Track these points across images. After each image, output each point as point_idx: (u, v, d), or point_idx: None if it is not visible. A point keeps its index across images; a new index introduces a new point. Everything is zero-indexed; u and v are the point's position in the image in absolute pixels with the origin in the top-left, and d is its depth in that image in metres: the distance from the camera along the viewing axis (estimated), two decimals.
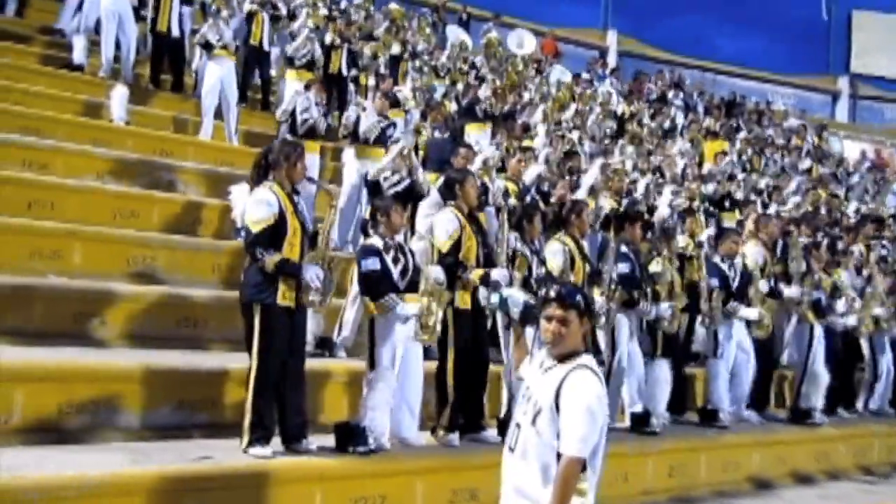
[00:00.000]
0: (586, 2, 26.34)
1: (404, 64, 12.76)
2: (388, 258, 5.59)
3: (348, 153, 8.85)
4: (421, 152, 9.06)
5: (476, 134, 10.12)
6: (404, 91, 10.68)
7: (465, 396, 6.00)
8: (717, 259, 8.08)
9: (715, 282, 7.80)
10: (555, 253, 6.70)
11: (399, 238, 5.84)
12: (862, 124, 27.59)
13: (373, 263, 5.53)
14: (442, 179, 6.71)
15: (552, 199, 8.58)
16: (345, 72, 11.73)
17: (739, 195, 11.76)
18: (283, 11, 11.77)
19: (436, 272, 5.65)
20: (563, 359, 3.23)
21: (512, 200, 7.96)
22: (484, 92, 11.15)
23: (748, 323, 8.12)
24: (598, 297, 6.77)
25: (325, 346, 6.77)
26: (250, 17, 11.32)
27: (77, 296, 6.14)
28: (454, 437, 5.89)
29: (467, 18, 18.67)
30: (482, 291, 5.89)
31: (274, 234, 5.00)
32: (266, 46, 11.49)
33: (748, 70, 26.91)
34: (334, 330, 6.87)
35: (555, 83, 14.95)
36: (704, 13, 25.60)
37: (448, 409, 5.90)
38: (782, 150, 17.89)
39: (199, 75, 10.75)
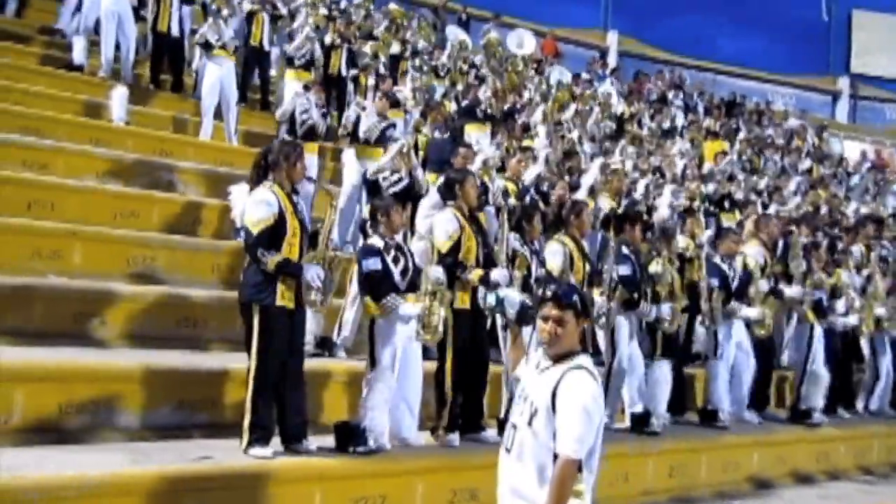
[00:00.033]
0: (586, 2, 26.33)
1: (404, 63, 12.76)
2: (389, 258, 5.59)
3: (349, 153, 8.86)
4: (421, 152, 9.06)
5: (476, 134, 10.12)
6: (404, 91, 10.68)
7: (465, 397, 6.00)
8: (717, 259, 8.08)
9: (715, 282, 7.80)
10: (554, 253, 6.70)
11: (398, 238, 5.83)
12: (862, 124, 27.56)
13: (374, 264, 5.53)
14: (442, 179, 6.71)
15: (552, 200, 8.58)
16: (344, 72, 11.73)
17: (739, 195, 11.76)
18: (284, 11, 11.76)
19: (437, 272, 5.65)
20: (559, 359, 3.22)
21: (512, 200, 7.96)
22: (484, 93, 11.15)
23: (748, 323, 8.12)
24: (598, 298, 6.78)
25: (325, 346, 6.77)
26: (250, 16, 11.32)
27: (77, 296, 6.14)
28: (454, 437, 5.89)
29: (467, 18, 18.66)
30: (481, 292, 5.90)
31: (273, 235, 5.00)
32: (266, 46, 11.49)
33: (748, 70, 26.88)
34: (334, 330, 6.87)
35: (555, 83, 14.95)
36: (704, 13, 25.60)
37: (447, 410, 5.90)
38: (782, 151, 17.88)
39: (199, 75, 10.75)
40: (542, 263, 6.64)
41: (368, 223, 6.01)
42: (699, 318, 7.84)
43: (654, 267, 7.35)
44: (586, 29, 25.49)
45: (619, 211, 8.67)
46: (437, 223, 6.12)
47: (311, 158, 8.09)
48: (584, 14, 25.71)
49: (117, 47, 10.29)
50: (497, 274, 5.86)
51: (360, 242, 6.72)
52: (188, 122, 10.33)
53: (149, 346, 6.07)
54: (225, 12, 10.05)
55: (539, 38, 18.63)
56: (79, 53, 10.27)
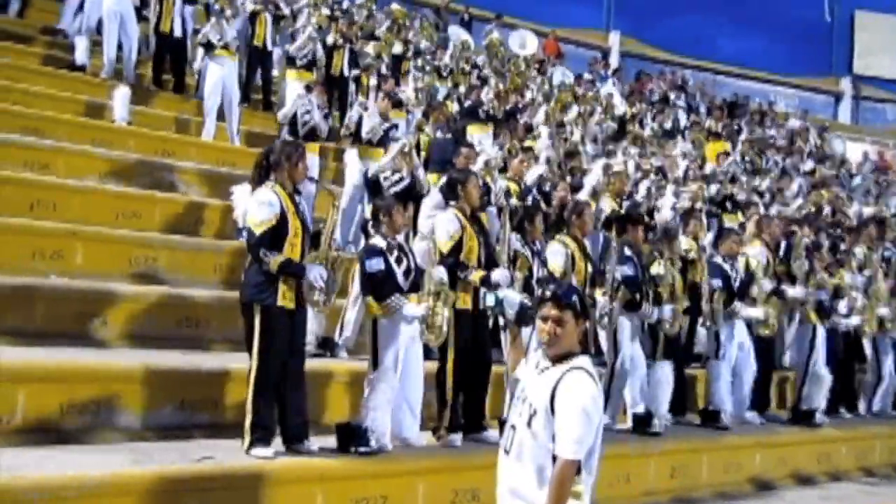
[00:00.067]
0: (588, 2, 26.32)
1: (406, 63, 12.76)
2: (392, 259, 5.59)
3: (351, 154, 8.86)
4: (423, 152, 9.06)
5: (478, 135, 10.12)
6: (407, 92, 10.69)
7: (467, 397, 6.00)
8: (718, 259, 8.08)
9: (718, 282, 7.80)
10: (555, 253, 6.70)
11: (400, 238, 5.83)
12: (864, 125, 27.54)
13: (377, 264, 5.52)
14: (444, 180, 6.71)
15: (554, 200, 8.58)
16: (346, 72, 11.73)
17: (741, 197, 11.75)
18: (286, 11, 11.77)
19: (440, 272, 5.65)
20: (558, 360, 3.21)
21: (514, 201, 7.96)
22: (486, 94, 11.15)
23: (749, 324, 8.11)
24: (600, 298, 6.77)
25: (327, 346, 6.77)
26: (253, 17, 11.32)
27: (78, 296, 6.14)
28: (456, 437, 5.89)
29: (469, 19, 18.66)
30: (482, 292, 5.89)
31: (275, 235, 5.00)
32: (269, 46, 11.49)
33: (750, 71, 26.88)
34: (336, 330, 6.87)
35: (557, 84, 14.94)
36: (706, 13, 25.59)
37: (448, 410, 5.90)
38: (784, 152, 17.86)
39: (201, 76, 10.75)
40: (543, 264, 6.64)
41: (370, 223, 6.01)
42: (701, 319, 7.83)
43: (656, 268, 7.35)
44: (588, 29, 25.49)
45: (621, 212, 8.66)
46: (438, 223, 6.12)
47: (312, 158, 8.09)
48: (586, 14, 25.71)
49: (119, 47, 10.30)
50: (498, 275, 5.86)
51: (362, 242, 6.72)
52: (190, 122, 10.33)
53: (150, 346, 6.06)
54: (228, 12, 10.06)
55: (541, 38, 18.63)
56: (81, 54, 10.28)
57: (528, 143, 10.54)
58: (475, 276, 5.87)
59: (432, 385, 5.98)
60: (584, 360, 3.21)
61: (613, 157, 10.49)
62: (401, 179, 7.16)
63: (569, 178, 9.44)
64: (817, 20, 27.77)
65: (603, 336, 7.30)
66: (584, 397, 3.10)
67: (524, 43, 16.17)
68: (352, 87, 11.87)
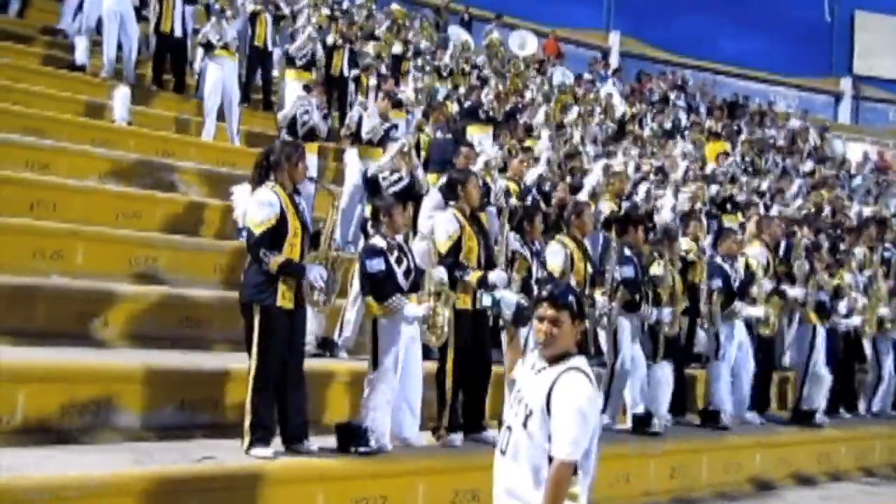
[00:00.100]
0: (588, 2, 26.32)
1: (406, 63, 12.76)
2: (392, 259, 5.59)
3: (351, 154, 8.86)
4: (423, 152, 9.06)
5: (479, 135, 10.12)
6: (407, 92, 10.69)
7: (467, 397, 6.01)
8: (718, 260, 8.08)
9: (718, 282, 7.80)
10: (554, 253, 6.70)
11: (400, 238, 5.84)
12: (865, 126, 27.54)
13: (378, 264, 5.51)
14: (444, 179, 6.71)
15: (553, 200, 8.58)
16: (346, 72, 11.74)
17: (741, 197, 11.75)
18: (286, 11, 11.78)
19: (440, 273, 5.66)
20: (554, 360, 3.19)
21: (513, 200, 7.97)
22: (486, 96, 11.15)
23: (749, 324, 8.12)
24: (599, 299, 6.77)
25: (327, 346, 6.77)
26: (253, 17, 11.33)
27: (79, 296, 6.15)
28: (456, 437, 5.90)
29: (469, 19, 18.67)
30: (478, 293, 5.90)
31: (275, 235, 5.00)
32: (270, 47, 11.50)
33: (750, 71, 26.88)
34: (335, 330, 6.88)
35: (557, 85, 14.94)
36: (706, 14, 25.59)
37: (448, 410, 5.90)
38: (784, 152, 17.86)
39: (201, 76, 10.76)
40: (542, 264, 6.64)
41: (370, 223, 6.01)
42: (700, 320, 7.84)
43: (656, 269, 7.36)
44: (588, 29, 25.49)
45: (620, 213, 8.66)
46: (437, 224, 6.14)
47: (310, 158, 8.09)
48: (586, 14, 25.72)
49: (119, 47, 10.30)
50: (495, 276, 5.86)
51: (361, 242, 6.73)
52: (190, 122, 10.34)
53: (151, 346, 6.07)
54: (228, 13, 10.06)
55: (541, 38, 18.62)
56: (81, 54, 10.28)
57: (528, 143, 10.54)
58: (472, 276, 5.87)
59: (432, 385, 5.98)
60: (581, 361, 3.19)
61: (614, 158, 10.48)
62: (399, 179, 7.15)
63: (569, 179, 9.43)
64: (817, 20, 27.77)
65: (603, 336, 7.31)
66: (581, 398, 3.08)
67: (524, 43, 16.16)
68: (351, 87, 11.87)
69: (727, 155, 13.53)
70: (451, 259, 5.88)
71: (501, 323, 3.83)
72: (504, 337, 6.32)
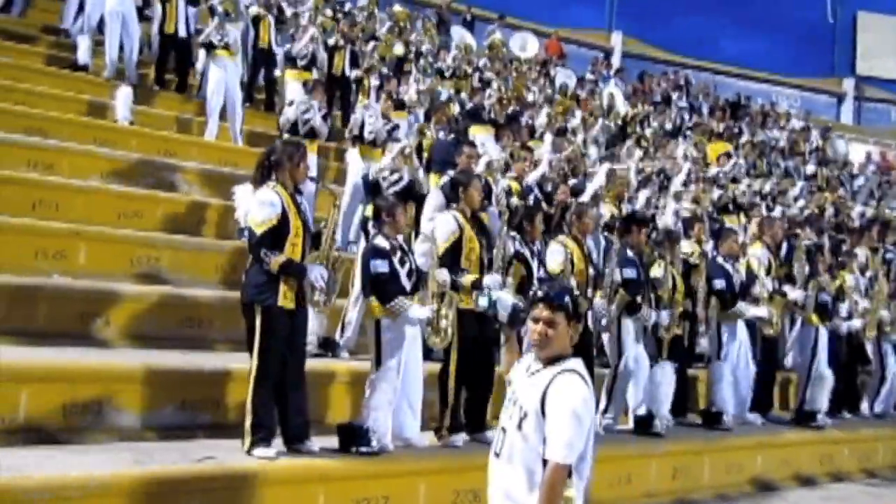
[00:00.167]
0: (591, 3, 26.35)
1: (408, 64, 12.76)
2: (396, 260, 5.58)
3: (352, 153, 8.86)
4: (425, 153, 9.06)
5: (481, 136, 10.11)
6: (409, 93, 10.68)
7: (469, 397, 6.00)
8: (720, 260, 8.08)
9: (721, 282, 7.80)
10: (554, 254, 6.69)
11: (401, 239, 5.83)
12: (867, 126, 27.51)
13: (382, 265, 5.50)
14: (448, 180, 6.71)
15: (554, 202, 8.57)
16: (348, 72, 11.74)
17: (744, 199, 11.74)
18: (289, 13, 11.80)
19: (443, 274, 5.65)
20: (549, 362, 3.15)
21: (514, 200, 7.96)
22: (488, 99, 11.15)
23: (748, 324, 8.12)
24: (598, 300, 6.75)
25: (328, 346, 6.77)
26: (256, 20, 11.35)
27: (81, 296, 6.15)
28: (457, 438, 5.90)
29: (471, 19, 18.67)
30: (474, 294, 5.89)
31: (276, 235, 5.00)
32: (274, 48, 11.52)
33: (752, 71, 26.87)
34: (337, 330, 6.87)
35: (560, 85, 14.93)
36: (709, 14, 25.59)
37: (449, 411, 5.90)
38: (784, 153, 17.84)
39: (204, 76, 10.76)
40: (542, 263, 6.63)
41: (371, 223, 6.00)
42: (698, 323, 7.84)
43: (656, 271, 7.36)
44: (590, 30, 25.50)
45: (621, 216, 8.65)
46: (436, 225, 6.14)
47: (311, 157, 8.09)
48: (589, 15, 25.75)
49: (121, 47, 10.30)
50: (489, 279, 5.85)
51: (362, 242, 6.72)
52: (192, 122, 10.34)
53: (152, 346, 6.07)
54: (231, 15, 10.06)
55: (542, 39, 18.60)
56: (83, 53, 10.29)
57: (530, 143, 10.53)
58: (467, 279, 5.86)
59: (433, 385, 5.98)
60: (576, 363, 3.15)
61: (618, 163, 10.47)
62: (399, 179, 7.14)
63: (572, 181, 9.42)
64: (820, 21, 27.76)
65: (606, 337, 7.30)
66: (575, 400, 3.04)
67: (525, 45, 16.14)
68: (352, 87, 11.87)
69: (729, 156, 13.52)
70: (449, 260, 5.87)
71: (497, 324, 3.81)
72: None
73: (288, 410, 5.07)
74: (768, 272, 8.43)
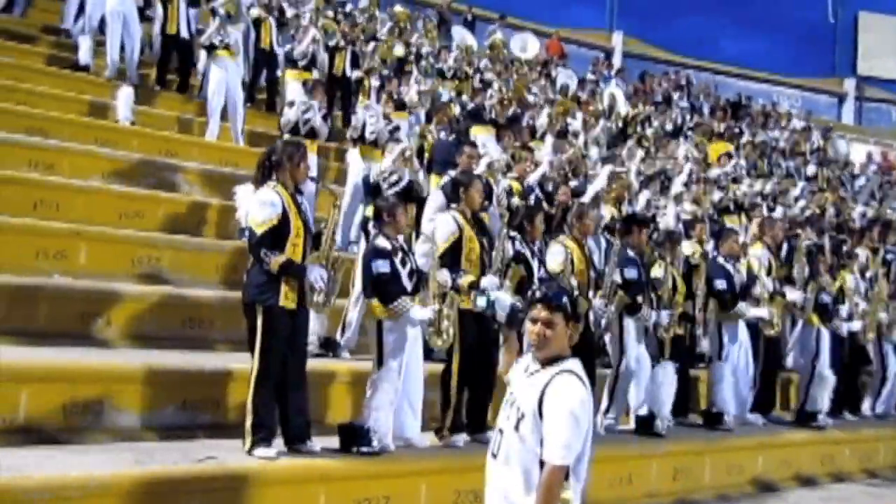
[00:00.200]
0: (591, 3, 26.34)
1: (409, 65, 12.75)
2: (397, 260, 5.58)
3: (353, 154, 8.86)
4: (426, 154, 9.06)
5: (483, 136, 10.11)
6: (410, 94, 10.68)
7: (471, 397, 6.00)
8: (720, 260, 8.08)
9: (722, 283, 7.80)
10: (554, 254, 6.69)
11: (402, 239, 5.83)
12: (868, 127, 27.51)
13: (383, 266, 5.49)
14: (449, 180, 6.70)
15: (555, 203, 8.57)
16: (349, 73, 11.75)
17: (745, 200, 11.73)
18: (290, 14, 11.81)
19: (444, 275, 5.65)
20: (547, 362, 3.13)
21: (515, 200, 7.96)
22: (489, 100, 11.16)
23: (750, 325, 8.11)
24: (596, 301, 6.74)
25: (329, 346, 6.77)
26: (257, 22, 11.37)
27: (82, 296, 6.15)
28: (458, 438, 5.89)
29: (472, 19, 18.67)
30: (472, 294, 5.89)
31: (277, 235, 5.00)
32: (276, 49, 11.54)
33: (753, 71, 26.86)
34: (337, 330, 6.87)
35: (561, 86, 14.93)
36: (709, 14, 25.59)
37: (451, 412, 5.90)
38: (786, 153, 17.82)
39: (205, 76, 10.76)
40: (543, 264, 6.63)
41: (371, 223, 5.99)
42: (696, 325, 7.84)
43: (656, 271, 7.36)
44: (591, 30, 25.50)
45: (622, 217, 8.64)
46: (436, 226, 6.14)
47: (311, 157, 8.08)
48: (589, 15, 25.75)
49: (122, 48, 10.30)
50: (487, 281, 5.84)
51: (362, 243, 6.72)
52: (193, 122, 10.34)
53: (153, 346, 6.07)
54: (233, 17, 10.06)
55: (542, 39, 18.59)
56: (84, 53, 10.28)
57: (531, 144, 10.52)
58: (464, 280, 5.86)
59: (434, 386, 5.98)
60: (574, 364, 3.13)
61: (620, 166, 10.46)
62: (398, 181, 7.13)
63: (573, 183, 9.42)
64: (821, 21, 27.76)
65: (607, 337, 7.30)
66: (573, 402, 3.02)
67: (525, 46, 16.13)
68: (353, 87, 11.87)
69: (730, 156, 13.50)
70: (450, 261, 5.87)
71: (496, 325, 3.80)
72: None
73: (289, 410, 5.07)
74: (769, 273, 8.43)
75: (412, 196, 7.24)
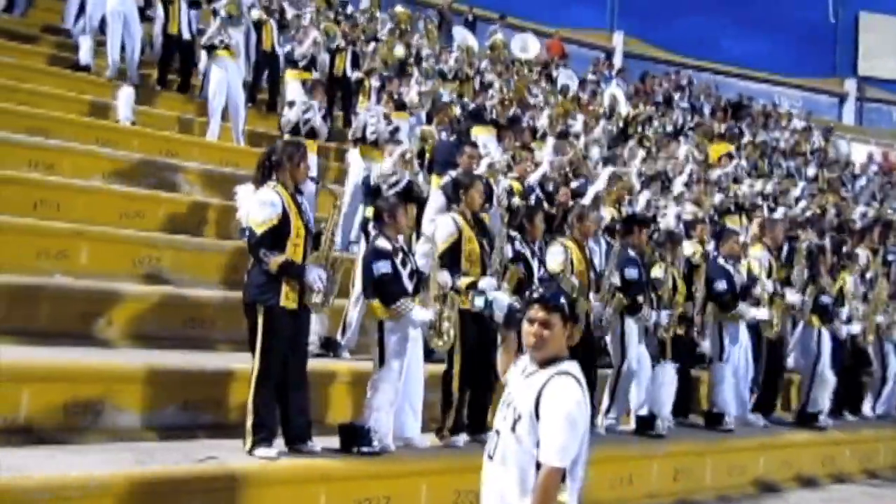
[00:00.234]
0: (592, 3, 26.33)
1: (409, 67, 12.75)
2: (398, 261, 5.58)
3: (353, 154, 8.85)
4: (427, 155, 9.06)
5: (484, 137, 10.11)
6: (411, 94, 10.68)
7: (471, 397, 6.00)
8: (721, 261, 8.07)
9: (723, 284, 7.79)
10: (554, 255, 6.69)
11: (402, 240, 5.83)
12: (869, 127, 27.50)
13: (385, 267, 5.49)
14: (450, 181, 6.69)
15: (555, 203, 8.57)
16: (349, 73, 11.75)
17: (746, 201, 11.72)
18: (291, 14, 11.81)
19: (444, 276, 5.65)
20: (544, 364, 3.11)
21: (516, 200, 7.96)
22: (490, 100, 11.15)
23: (751, 326, 8.10)
24: (595, 302, 6.73)
25: (330, 346, 6.77)
26: (259, 25, 11.37)
27: (83, 296, 6.15)
28: (459, 438, 5.89)
29: (473, 19, 18.66)
30: (470, 295, 5.89)
31: (277, 235, 5.00)
32: (277, 50, 11.54)
33: (754, 72, 26.86)
34: (338, 331, 6.87)
35: (561, 86, 14.92)
36: (710, 14, 25.58)
37: (452, 412, 5.90)
38: (787, 154, 17.82)
39: (205, 76, 10.76)
40: (543, 264, 6.63)
41: (372, 224, 5.99)
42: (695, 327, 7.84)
43: (656, 272, 7.36)
44: (592, 30, 25.50)
45: (622, 218, 8.63)
46: (436, 227, 6.14)
47: (310, 157, 8.08)
48: (590, 15, 25.75)
49: (123, 48, 10.30)
50: (485, 283, 5.84)
51: (363, 243, 6.72)
52: (193, 122, 10.34)
53: (154, 346, 6.07)
54: (235, 19, 10.06)
55: (542, 39, 18.58)
56: (85, 53, 10.28)
57: (532, 144, 10.51)
58: (462, 282, 5.86)
59: (434, 386, 5.98)
60: (572, 366, 3.11)
61: (621, 166, 10.45)
62: (397, 182, 7.13)
63: (574, 184, 9.42)
64: (822, 21, 27.75)
65: (608, 338, 7.30)
66: (570, 403, 3.00)
67: (526, 47, 16.11)
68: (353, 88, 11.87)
69: (731, 157, 13.49)
70: (449, 262, 5.87)
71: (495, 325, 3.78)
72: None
73: (290, 410, 5.07)
74: (769, 274, 8.42)
75: (412, 197, 7.24)
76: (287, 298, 5.00)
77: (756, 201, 11.88)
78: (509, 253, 6.34)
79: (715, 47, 26.22)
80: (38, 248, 6.44)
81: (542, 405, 3.01)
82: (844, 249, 10.82)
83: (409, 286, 5.56)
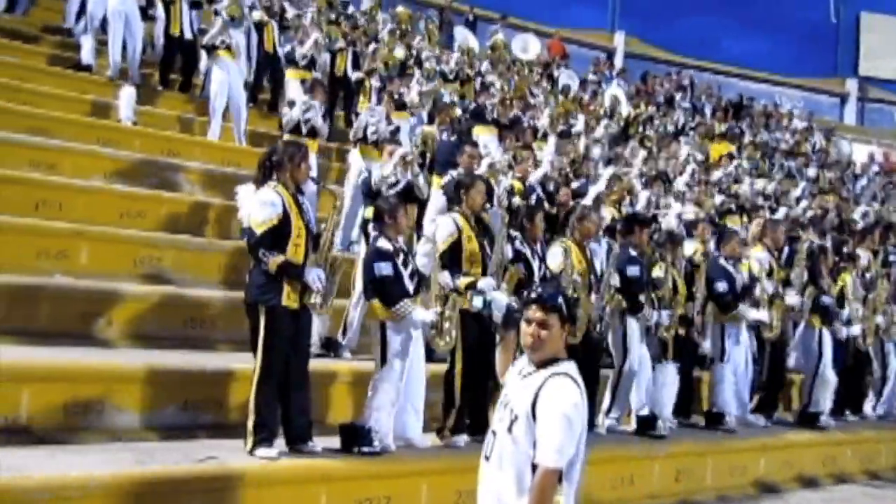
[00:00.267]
0: (593, 3, 26.33)
1: (410, 68, 12.75)
2: (399, 262, 5.58)
3: (354, 154, 8.85)
4: (428, 156, 9.05)
5: (485, 137, 10.10)
6: (411, 95, 10.67)
7: (472, 397, 6.00)
8: (722, 261, 8.06)
9: (723, 284, 7.79)
10: (554, 255, 6.69)
11: (402, 241, 5.82)
12: (870, 127, 27.48)
13: (386, 268, 5.49)
14: (450, 181, 6.69)
15: (557, 200, 8.56)
16: (350, 73, 11.75)
17: (747, 202, 11.71)
18: (291, 14, 11.81)
19: (445, 277, 5.64)
20: (542, 364, 3.10)
21: (517, 199, 7.95)
22: (491, 102, 11.15)
23: (752, 326, 8.09)
24: (595, 303, 6.72)
25: (331, 346, 6.77)
26: (260, 26, 11.37)
27: (83, 296, 6.14)
28: (460, 438, 5.89)
29: (474, 19, 18.66)
30: (469, 295, 5.88)
31: (278, 235, 5.00)
32: (279, 52, 11.55)
33: (755, 72, 26.84)
34: (339, 331, 6.87)
35: (562, 87, 14.92)
36: (711, 15, 25.58)
37: (454, 412, 5.90)
38: (788, 154, 17.81)
39: (206, 76, 10.76)
40: (543, 263, 6.62)
41: (372, 225, 5.99)
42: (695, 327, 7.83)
43: (657, 272, 7.35)
44: (593, 30, 25.49)
45: (622, 218, 8.63)
46: (437, 227, 6.14)
47: (311, 157, 8.07)
48: (591, 15, 25.74)
49: (124, 47, 10.30)
50: (484, 283, 5.83)
51: (363, 244, 6.72)
52: (194, 121, 10.34)
53: (154, 346, 6.06)
54: (237, 20, 10.06)
55: (543, 39, 18.58)
56: (87, 53, 10.28)
57: (533, 144, 10.51)
58: (461, 282, 5.85)
59: (435, 386, 5.97)
60: (569, 366, 3.10)
61: (623, 166, 10.43)
62: (396, 182, 7.12)
63: (575, 184, 9.41)
64: (823, 21, 27.74)
65: (610, 338, 7.29)
66: (566, 404, 2.99)
67: (526, 47, 16.11)
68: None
69: (731, 157, 13.48)
70: (450, 262, 5.87)
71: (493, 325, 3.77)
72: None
73: (291, 411, 5.07)
74: (769, 275, 8.41)
75: (413, 197, 7.23)
76: (289, 298, 5.00)
77: (757, 201, 11.87)
78: (510, 253, 6.33)
79: (716, 47, 26.23)
80: (38, 248, 6.44)
81: (539, 406, 3.00)
82: (845, 250, 10.81)
83: (411, 287, 5.56)
